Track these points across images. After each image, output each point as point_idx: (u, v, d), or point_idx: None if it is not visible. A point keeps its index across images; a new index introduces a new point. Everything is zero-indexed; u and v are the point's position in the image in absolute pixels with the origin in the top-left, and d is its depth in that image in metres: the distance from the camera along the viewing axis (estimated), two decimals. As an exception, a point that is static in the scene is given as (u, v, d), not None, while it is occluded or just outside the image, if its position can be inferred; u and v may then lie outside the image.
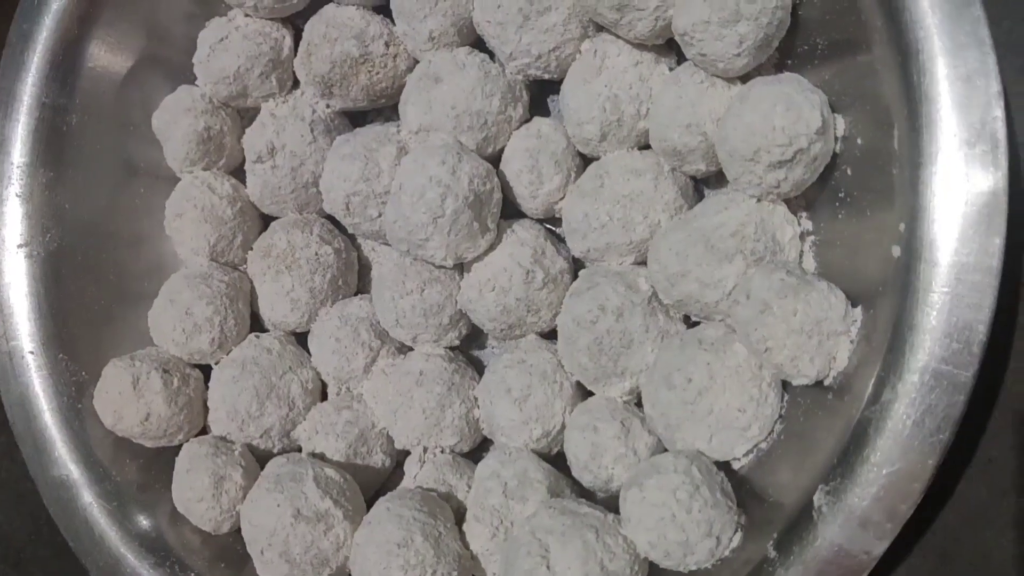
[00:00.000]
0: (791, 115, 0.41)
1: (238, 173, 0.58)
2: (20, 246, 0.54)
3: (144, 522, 0.52)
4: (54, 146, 0.55)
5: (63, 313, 0.55)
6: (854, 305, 0.41)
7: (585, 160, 0.52)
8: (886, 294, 0.39)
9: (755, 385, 0.43)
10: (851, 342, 0.41)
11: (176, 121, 0.55)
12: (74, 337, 0.55)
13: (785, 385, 0.45)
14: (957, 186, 0.36)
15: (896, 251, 0.39)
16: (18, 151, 0.54)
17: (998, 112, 0.36)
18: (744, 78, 0.46)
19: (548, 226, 0.54)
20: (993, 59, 0.36)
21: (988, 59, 0.36)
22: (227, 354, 0.55)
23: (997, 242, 0.36)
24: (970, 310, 0.36)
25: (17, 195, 0.54)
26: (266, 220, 0.58)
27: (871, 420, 0.38)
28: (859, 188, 0.43)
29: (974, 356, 0.36)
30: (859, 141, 0.42)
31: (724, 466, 0.45)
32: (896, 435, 0.37)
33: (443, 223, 0.48)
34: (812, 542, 0.39)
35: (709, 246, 0.44)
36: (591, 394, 0.50)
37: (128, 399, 0.51)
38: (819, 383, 0.42)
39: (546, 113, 0.56)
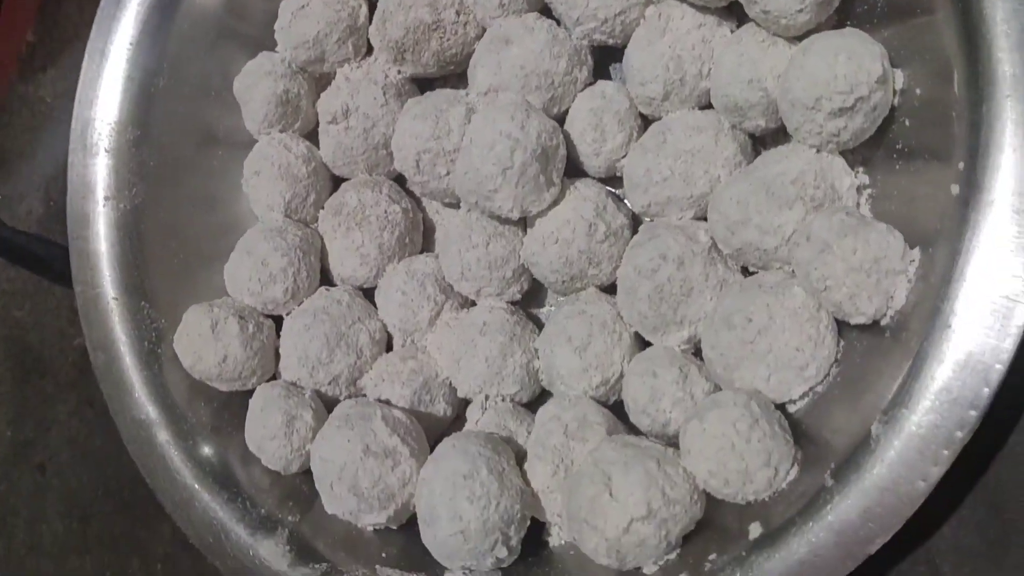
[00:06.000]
0: (852, 64, 0.43)
1: (311, 137, 0.61)
2: (107, 199, 0.57)
3: (217, 461, 0.54)
4: (142, 106, 0.58)
5: (145, 264, 0.58)
6: (912, 247, 0.43)
7: (647, 121, 0.54)
8: (944, 234, 0.41)
9: (813, 326, 0.45)
10: (909, 281, 0.42)
11: (256, 84, 0.58)
12: (155, 287, 0.58)
13: (841, 330, 0.46)
14: (1015, 124, 0.38)
15: (955, 189, 0.40)
16: (110, 109, 0.57)
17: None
18: (803, 37, 0.48)
19: (608, 188, 0.56)
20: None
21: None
22: (299, 304, 0.57)
23: (1056, 175, 0.38)
24: (1029, 242, 0.38)
25: (106, 150, 0.58)
26: (337, 183, 0.61)
27: (929, 351, 0.39)
28: (917, 137, 0.44)
29: (1033, 289, 0.38)
30: (918, 91, 0.44)
31: (780, 409, 0.47)
32: (955, 364, 0.39)
33: (512, 175, 0.50)
34: (870, 469, 0.40)
35: (770, 193, 0.46)
36: (649, 347, 0.52)
37: (207, 341, 0.54)
38: (876, 323, 0.43)
39: (609, 78, 0.58)
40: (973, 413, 0.38)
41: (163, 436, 0.55)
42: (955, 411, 0.38)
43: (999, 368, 0.38)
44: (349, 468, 0.49)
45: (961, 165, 0.40)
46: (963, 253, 0.39)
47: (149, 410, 0.55)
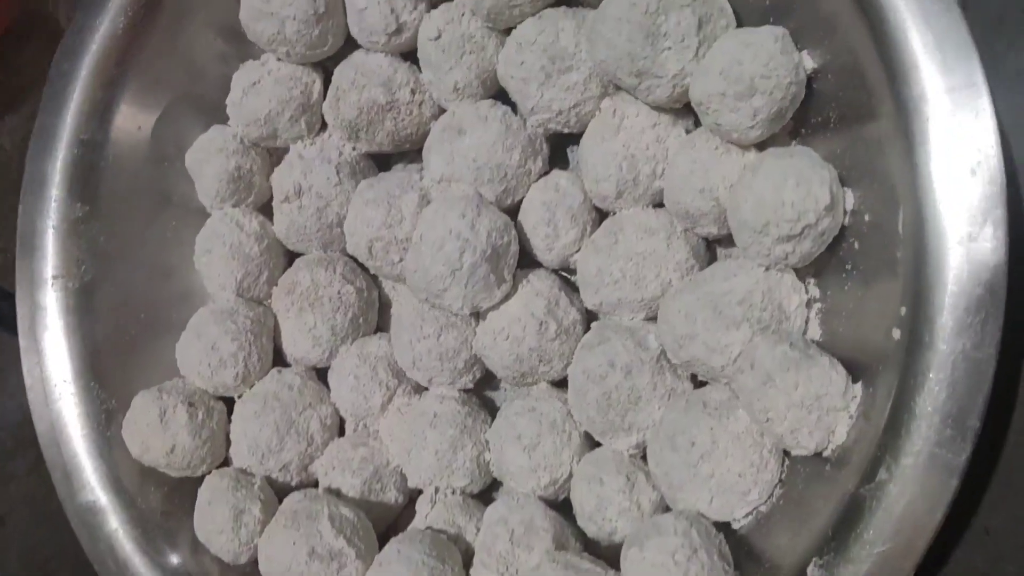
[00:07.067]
0: (801, 191, 0.42)
1: (266, 209, 0.60)
2: (55, 278, 0.56)
3: (167, 550, 0.54)
4: (90, 181, 0.57)
5: (94, 343, 0.57)
6: (855, 381, 0.42)
7: (601, 214, 0.53)
8: (886, 373, 0.40)
9: (756, 451, 0.45)
10: (850, 418, 0.42)
11: (208, 160, 0.57)
12: (105, 366, 0.57)
13: (786, 452, 0.46)
14: (958, 278, 0.37)
15: (896, 334, 0.39)
16: (55, 185, 0.56)
17: (1000, 210, 0.37)
18: (759, 146, 0.47)
19: (564, 273, 0.55)
20: (999, 152, 0.37)
21: (993, 150, 0.37)
22: (250, 388, 0.56)
23: (995, 332, 0.37)
24: (966, 397, 0.37)
25: (53, 228, 0.56)
26: (291, 256, 0.60)
27: (865, 498, 0.39)
28: (865, 263, 0.44)
29: (967, 442, 0.37)
30: (867, 217, 0.43)
31: (724, 526, 0.47)
32: (889, 515, 0.38)
33: (461, 275, 0.49)
34: (804, 614, 0.40)
35: (717, 312, 0.45)
36: (599, 443, 0.52)
37: (155, 431, 0.53)
38: (818, 454, 0.43)
39: (565, 162, 0.57)
40: (907, 565, 0.38)
41: (113, 523, 0.54)
42: (889, 564, 0.38)
43: (935, 521, 0.38)
44: (294, 570, 0.48)
45: (903, 311, 0.39)
46: (900, 403, 0.39)
47: (99, 495, 0.55)
